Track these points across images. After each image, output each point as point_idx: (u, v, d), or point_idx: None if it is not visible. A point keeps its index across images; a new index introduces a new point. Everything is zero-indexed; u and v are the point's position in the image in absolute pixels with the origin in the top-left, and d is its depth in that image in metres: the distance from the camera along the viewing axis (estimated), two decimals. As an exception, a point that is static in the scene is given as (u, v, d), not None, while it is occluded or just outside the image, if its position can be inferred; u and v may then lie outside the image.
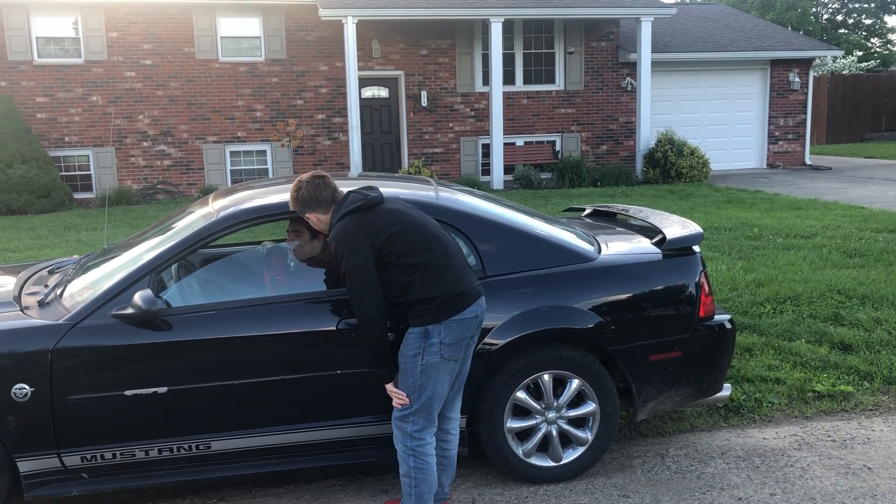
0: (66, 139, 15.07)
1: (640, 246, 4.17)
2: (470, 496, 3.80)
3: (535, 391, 3.81)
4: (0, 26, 14.50)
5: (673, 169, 15.78)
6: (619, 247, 4.16)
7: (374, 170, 16.68)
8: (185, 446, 3.54)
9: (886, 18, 39.18)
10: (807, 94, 18.76)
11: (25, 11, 14.57)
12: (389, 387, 3.36)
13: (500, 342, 3.68)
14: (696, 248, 4.12)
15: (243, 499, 3.85)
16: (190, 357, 3.48)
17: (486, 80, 16.31)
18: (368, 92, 16.50)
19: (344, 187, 3.49)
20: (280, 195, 3.88)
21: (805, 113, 18.84)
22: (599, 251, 4.06)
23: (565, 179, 15.84)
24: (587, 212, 5.30)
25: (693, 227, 4.23)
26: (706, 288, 4.03)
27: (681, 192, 13.97)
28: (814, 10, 37.27)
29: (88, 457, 3.46)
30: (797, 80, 18.54)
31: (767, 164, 18.83)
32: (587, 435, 3.88)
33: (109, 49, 15.03)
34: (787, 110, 18.75)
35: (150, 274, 3.55)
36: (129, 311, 3.39)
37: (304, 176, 3.41)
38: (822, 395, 4.87)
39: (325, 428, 3.64)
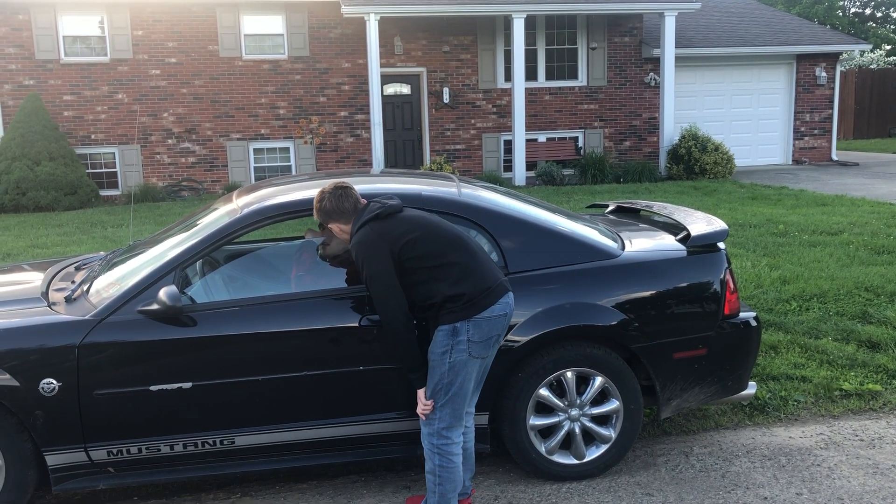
0: (93, 137, 15.24)
1: (664, 243, 4.14)
2: (493, 493, 3.80)
3: (558, 388, 3.80)
4: (28, 26, 14.68)
5: (697, 165, 15.64)
6: (642, 243, 4.13)
7: (396, 166, 16.71)
8: (210, 441, 3.56)
9: (916, 11, 38.57)
10: (833, 88, 18.51)
11: (53, 11, 14.75)
12: (420, 393, 3.34)
13: (523, 339, 3.67)
14: (721, 245, 4.09)
15: (267, 494, 3.88)
16: (214, 353, 3.50)
17: (509, 77, 16.26)
18: (390, 89, 16.52)
19: (365, 184, 3.49)
20: (303, 192, 3.90)
21: (832, 108, 18.59)
22: (623, 248, 4.03)
23: (588, 176, 15.76)
24: (610, 208, 5.27)
25: (718, 224, 4.19)
26: (731, 285, 3.99)
27: (705, 188, 13.85)
28: (841, 3, 36.77)
29: (114, 451, 3.50)
30: (824, 74, 18.29)
31: (793, 160, 18.61)
32: (610, 433, 3.86)
33: (135, 47, 15.17)
34: (813, 105, 18.52)
35: (175, 270, 3.58)
36: (155, 307, 3.43)
37: (327, 186, 3.41)
38: (850, 393, 4.80)
39: (348, 424, 3.65)
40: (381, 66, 15.50)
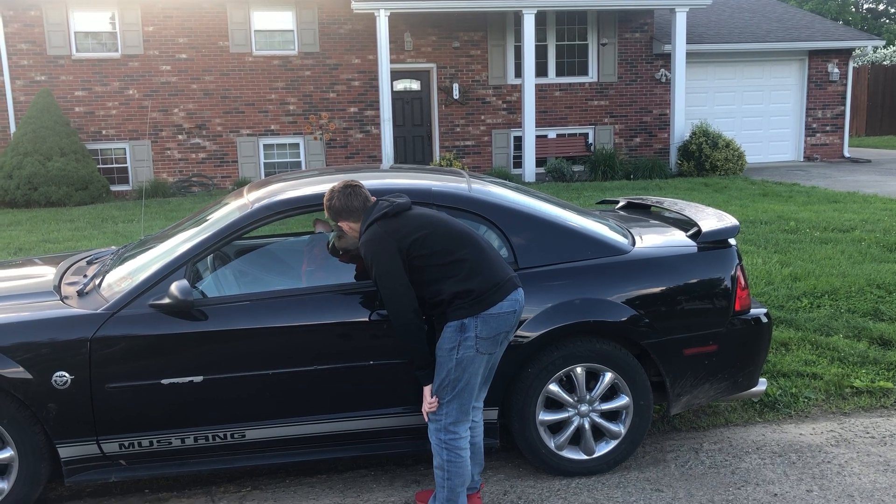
0: (104, 132, 15.31)
1: (675, 239, 4.13)
2: (502, 488, 3.80)
3: (568, 384, 3.80)
4: (40, 22, 14.75)
5: (707, 161, 15.58)
6: (653, 239, 4.12)
7: (406, 163, 16.71)
8: (220, 435, 3.58)
9: (929, 7, 38.28)
10: (846, 85, 18.40)
11: (64, 7, 14.81)
12: (426, 391, 3.34)
13: (533, 335, 3.67)
14: (732, 241, 4.07)
15: (277, 487, 3.90)
16: (225, 347, 3.52)
17: (519, 73, 16.24)
18: (400, 85, 16.52)
19: (375, 179, 3.50)
20: (313, 187, 3.91)
21: (844, 104, 18.48)
22: (633, 244, 4.03)
23: (598, 172, 15.72)
24: (621, 204, 5.26)
25: (729, 220, 4.18)
26: (742, 281, 3.98)
27: (715, 184, 13.80)
28: (854, -1, 36.53)
29: (126, 444, 3.53)
30: (836, 70, 18.18)
31: (804, 157, 18.51)
32: (620, 428, 3.86)
33: (145, 43, 15.23)
34: (825, 102, 18.41)
35: (187, 264, 3.60)
36: (166, 300, 3.44)
37: (337, 185, 3.42)
38: (861, 390, 4.78)
39: (358, 418, 3.66)
40: (391, 62, 15.50)
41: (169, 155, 15.65)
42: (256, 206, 3.74)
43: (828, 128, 18.55)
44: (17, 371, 3.37)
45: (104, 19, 15.14)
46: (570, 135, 17.27)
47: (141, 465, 3.60)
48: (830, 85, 18.36)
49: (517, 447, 3.95)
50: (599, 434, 3.89)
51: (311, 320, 3.57)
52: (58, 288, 3.89)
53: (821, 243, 8.32)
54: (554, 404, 3.81)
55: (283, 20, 15.78)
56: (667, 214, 4.78)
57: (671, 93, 16.16)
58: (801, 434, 4.31)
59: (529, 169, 15.45)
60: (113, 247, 5.17)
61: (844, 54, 18.26)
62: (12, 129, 14.65)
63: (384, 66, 14.76)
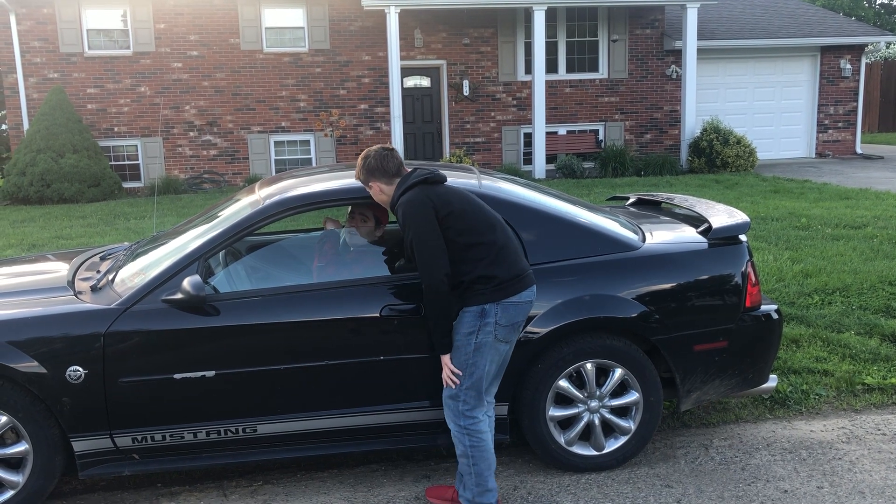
0: (116, 129, 15.39)
1: (686, 235, 4.12)
2: (512, 483, 3.81)
3: (578, 380, 3.81)
4: (53, 19, 14.84)
5: (718, 158, 15.53)
6: (663, 235, 4.12)
7: (416, 159, 16.72)
8: (232, 429, 3.61)
9: (943, 2, 37.95)
10: (858, 81, 18.29)
11: (77, 4, 14.89)
12: (446, 359, 3.35)
13: (543, 330, 3.68)
14: (743, 238, 4.07)
15: (288, 482, 3.92)
16: (237, 342, 3.54)
17: (529, 69, 16.21)
18: (410, 81, 16.53)
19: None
20: (324, 183, 3.93)
21: (856, 101, 18.37)
22: (644, 240, 4.03)
23: (608, 169, 15.69)
24: (631, 200, 5.25)
25: (740, 216, 4.17)
26: (753, 278, 3.97)
27: (726, 181, 13.75)
28: (867, -6, 36.26)
29: (139, 438, 3.56)
30: (848, 66, 18.07)
31: (816, 153, 18.42)
32: (630, 424, 3.86)
33: (157, 40, 15.29)
34: (837, 98, 18.31)
35: (199, 260, 3.62)
36: (179, 296, 3.47)
37: (373, 147, 3.49)
38: (872, 387, 4.77)
39: (369, 413, 3.68)
40: (401, 58, 15.51)
41: (180, 152, 15.72)
42: (268, 202, 3.77)
43: (840, 124, 18.44)
44: (31, 365, 3.40)
45: (116, 17, 15.21)
46: (580, 131, 17.25)
47: (153, 459, 3.63)
48: (843, 81, 18.25)
49: (527, 442, 3.96)
50: (609, 430, 3.90)
51: (323, 316, 3.59)
52: (71, 283, 3.93)
53: (832, 240, 8.29)
54: (564, 400, 3.82)
55: (293, 17, 15.81)
56: (677, 211, 4.77)
57: (682, 89, 16.11)
58: (811, 431, 4.30)
59: (539, 165, 15.44)
60: (125, 243, 5.20)
61: (857, 50, 18.14)
62: (25, 126, 14.75)
63: (394, 63, 14.78)
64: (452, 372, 3.33)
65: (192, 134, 15.70)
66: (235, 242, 3.78)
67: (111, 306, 3.53)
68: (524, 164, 16.73)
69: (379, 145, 3.52)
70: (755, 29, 17.83)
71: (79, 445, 3.52)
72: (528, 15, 15.96)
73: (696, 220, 4.33)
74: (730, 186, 13.13)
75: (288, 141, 16.17)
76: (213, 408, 3.57)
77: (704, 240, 4.02)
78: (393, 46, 14.71)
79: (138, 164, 15.62)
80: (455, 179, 3.94)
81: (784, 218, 9.69)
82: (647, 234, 4.12)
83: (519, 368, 3.69)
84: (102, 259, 4.47)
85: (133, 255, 4.15)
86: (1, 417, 3.43)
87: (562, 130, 17.11)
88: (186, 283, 3.44)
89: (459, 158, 15.25)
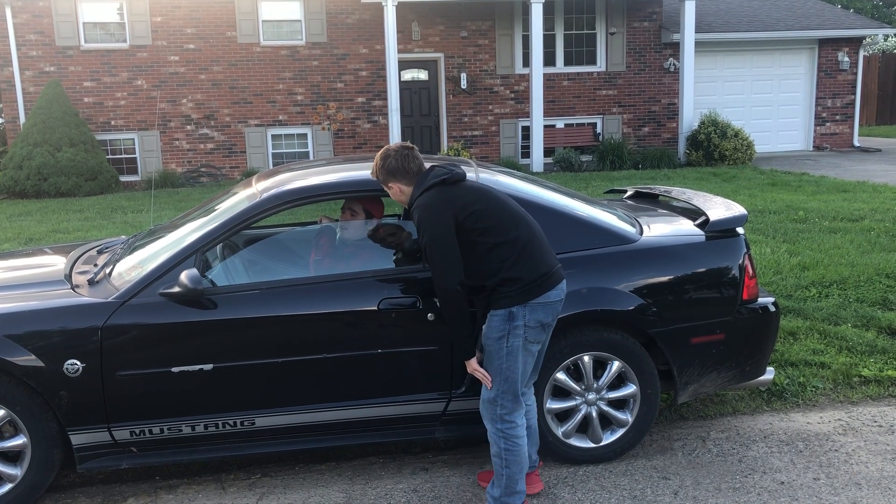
0: (113, 123, 15.36)
1: (683, 228, 4.13)
2: (509, 476, 3.82)
3: (575, 372, 3.81)
4: (49, 12, 14.79)
5: (716, 151, 15.53)
6: (661, 228, 4.12)
7: (414, 153, 16.67)
8: (230, 422, 3.61)
9: (941, -5, 37.87)
10: (856, 73, 18.28)
11: (72, -3, 14.84)
12: (473, 364, 3.29)
13: (540, 323, 3.67)
14: (741, 230, 4.07)
15: (286, 475, 3.93)
16: (234, 335, 3.54)
17: (527, 62, 16.19)
18: (408, 75, 16.50)
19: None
20: (321, 177, 3.92)
21: (854, 93, 18.36)
22: (641, 233, 4.03)
23: (606, 162, 15.69)
24: (629, 193, 5.25)
25: (737, 209, 4.17)
26: (750, 270, 3.98)
27: (724, 174, 13.75)
28: (865, -13, 36.18)
29: (137, 431, 3.56)
30: (846, 59, 18.06)
31: (814, 146, 18.42)
32: (627, 417, 3.87)
33: (154, 34, 15.25)
34: (835, 91, 18.30)
35: (196, 254, 3.62)
36: (176, 289, 3.47)
37: (393, 145, 3.36)
38: (869, 379, 4.78)
39: (367, 406, 3.69)
40: (399, 51, 15.47)
41: (177, 145, 15.69)
42: (265, 195, 3.76)
43: (837, 117, 18.44)
44: (29, 359, 3.40)
45: (112, 10, 15.16)
46: (578, 124, 17.23)
47: (152, 452, 3.63)
48: (840, 74, 18.25)
49: (525, 435, 3.96)
50: (607, 422, 3.91)
51: (320, 309, 3.59)
52: (68, 277, 3.92)
53: (830, 233, 8.30)
54: (561, 392, 3.82)
55: (290, 10, 15.77)
56: (675, 204, 4.78)
57: (680, 82, 16.10)
58: (808, 423, 4.31)
59: (537, 159, 15.43)
60: (123, 236, 5.20)
61: (855, 43, 18.13)
62: (22, 119, 14.71)
63: (392, 56, 14.74)
64: (484, 372, 3.28)
65: (189, 127, 15.67)
66: (233, 236, 3.78)
67: (108, 300, 3.53)
68: (522, 157, 16.72)
69: (398, 143, 3.38)
70: (753, 21, 17.81)
71: (77, 439, 3.52)
72: (525, 7, 15.92)
73: (693, 213, 4.33)
74: (727, 179, 13.14)
75: (285, 134, 16.14)
76: (210, 401, 3.57)
77: (702, 233, 4.02)
78: (390, 39, 14.68)
79: (135, 158, 15.59)
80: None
81: (781, 211, 9.69)
82: (645, 227, 4.12)
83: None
84: (100, 253, 4.47)
85: (130, 249, 4.15)
86: (-1, 411, 3.44)
87: (560, 124, 17.10)
88: (184, 276, 3.43)
89: (457, 152, 15.24)
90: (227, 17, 15.44)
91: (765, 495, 3.58)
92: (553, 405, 3.80)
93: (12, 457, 3.54)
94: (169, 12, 15.23)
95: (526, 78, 16.47)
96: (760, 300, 4.04)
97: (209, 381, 3.54)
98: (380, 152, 3.37)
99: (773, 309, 4.05)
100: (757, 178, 13.10)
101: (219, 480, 3.90)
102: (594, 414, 3.84)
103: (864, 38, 18.19)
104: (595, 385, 3.81)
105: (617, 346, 3.77)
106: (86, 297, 3.60)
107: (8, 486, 3.52)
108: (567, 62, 17.02)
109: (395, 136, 14.92)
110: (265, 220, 4.13)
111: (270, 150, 16.09)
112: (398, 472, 3.91)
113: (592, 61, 17.15)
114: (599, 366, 3.83)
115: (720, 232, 4.01)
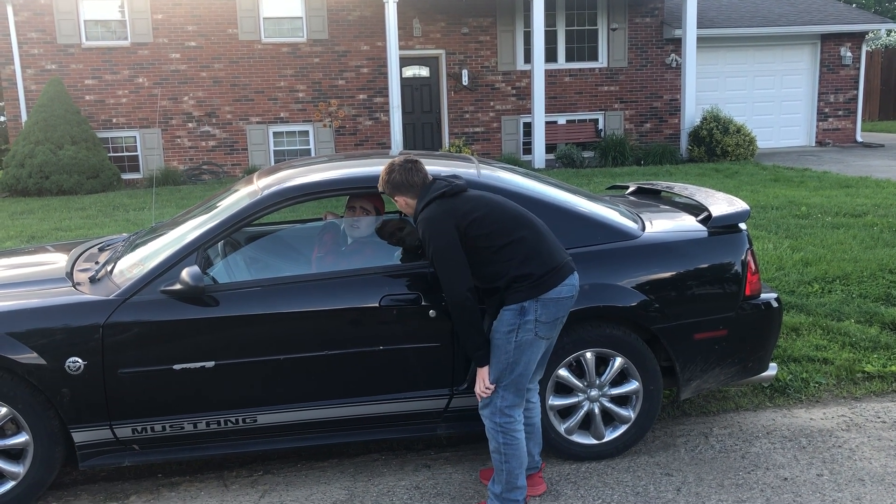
0: (114, 120, 15.36)
1: (685, 223, 4.11)
2: (512, 472, 3.81)
3: (578, 369, 3.81)
4: (50, 10, 14.78)
5: (718, 147, 15.50)
6: (663, 224, 4.11)
7: (415, 149, 16.69)
8: (232, 420, 3.61)
9: (944, -10, 37.75)
10: (859, 69, 18.23)
11: (73, -5, 14.83)
12: (482, 372, 3.28)
13: (543, 319, 3.66)
14: (743, 226, 4.06)
15: (288, 472, 3.93)
16: (236, 332, 3.54)
17: (528, 58, 16.17)
18: (409, 71, 16.48)
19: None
20: (323, 174, 3.92)
21: (857, 89, 18.33)
22: (643, 229, 4.02)
23: (608, 158, 15.67)
24: (631, 189, 5.24)
25: (739, 205, 4.16)
26: (752, 266, 3.97)
27: (726, 170, 13.73)
28: (867, -19, 36.08)
29: (139, 429, 3.56)
30: (849, 54, 18.01)
31: (816, 142, 18.39)
32: (630, 413, 3.87)
33: (154, 31, 15.24)
34: (837, 86, 18.26)
35: (198, 251, 3.61)
36: (178, 287, 3.46)
37: (397, 159, 3.40)
38: (872, 375, 4.77)
39: (369, 403, 3.68)
40: (400, 48, 15.45)
41: (179, 143, 15.69)
42: (266, 192, 3.75)
43: (840, 112, 18.40)
44: (31, 357, 3.40)
45: (113, 7, 15.15)
46: (579, 121, 17.21)
47: (154, 449, 3.63)
48: (843, 69, 18.20)
49: (527, 432, 3.95)
50: (609, 419, 3.90)
51: (322, 306, 3.58)
52: (70, 275, 3.92)
53: (832, 228, 8.28)
54: (564, 389, 3.82)
55: (291, 7, 15.75)
56: (677, 199, 4.77)
57: (682, 78, 16.07)
58: (811, 419, 4.30)
59: (539, 155, 15.41)
60: (124, 234, 5.19)
61: (857, 38, 18.08)
62: (24, 117, 14.72)
63: (393, 53, 14.72)
64: (486, 386, 3.28)
65: (190, 125, 15.67)
66: (234, 233, 3.77)
67: (110, 297, 3.52)
68: (524, 153, 16.70)
69: (402, 157, 3.42)
70: (755, 17, 17.77)
71: (79, 436, 3.52)
72: (526, 3, 15.89)
73: (695, 209, 4.32)
74: (730, 175, 13.11)
75: (287, 132, 16.14)
76: (212, 398, 3.57)
77: (704, 228, 4.01)
78: (391, 36, 14.66)
79: (137, 156, 15.60)
80: (454, 169, 3.93)
81: (784, 206, 9.68)
82: (647, 223, 4.11)
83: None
84: (101, 250, 4.46)
85: (132, 246, 4.14)
86: (1, 409, 3.43)
87: (561, 120, 17.08)
88: (185, 273, 3.43)
89: (459, 148, 15.22)
90: (228, 15, 15.43)
91: (768, 491, 3.57)
92: (555, 402, 3.79)
93: (15, 454, 3.54)
94: (170, 10, 15.22)
95: (527, 74, 16.44)
96: (763, 296, 4.03)
97: (211, 378, 3.54)
98: (385, 167, 3.41)
99: (775, 305, 4.04)
100: (759, 174, 13.08)
101: (221, 478, 3.90)
102: (597, 410, 3.84)
103: (866, 32, 18.14)
104: (597, 381, 3.80)
105: (619, 342, 3.76)
106: (87, 294, 3.59)
107: (10, 484, 3.52)
108: (569, 58, 17.00)
109: (396, 133, 14.92)
110: (267, 217, 4.12)
111: (272, 148, 16.08)
112: (400, 469, 3.90)
113: (594, 57, 17.12)
114: (602, 362, 3.82)
115: (722, 228, 4.00)
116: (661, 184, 5.05)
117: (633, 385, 3.83)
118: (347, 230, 4.17)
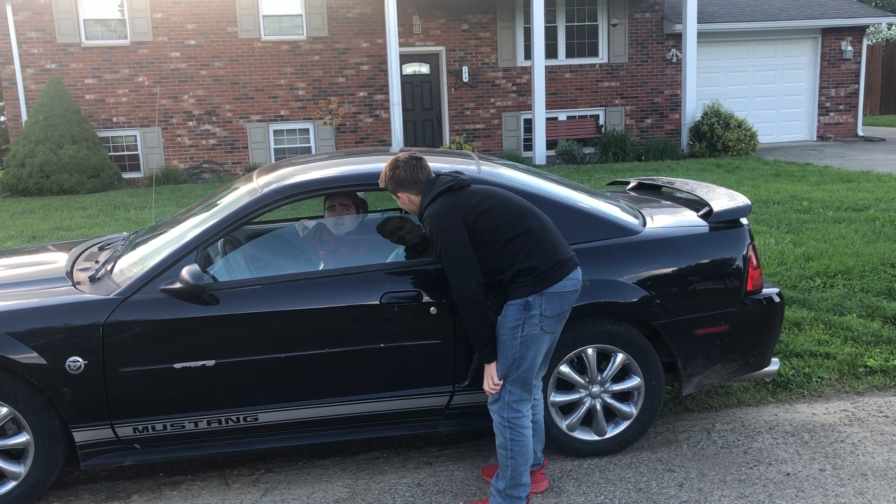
0: (114, 119, 15.35)
1: (686, 219, 4.10)
2: (514, 469, 3.81)
3: (579, 365, 3.80)
4: (49, 9, 14.77)
5: (719, 142, 15.47)
6: (664, 220, 4.10)
7: (416, 146, 16.67)
8: (233, 418, 3.60)
9: (945, -17, 37.62)
10: (860, 63, 18.19)
11: (73, -6, 14.82)
12: (490, 368, 3.28)
13: (544, 316, 3.65)
14: (744, 221, 4.05)
15: (290, 470, 3.92)
16: (236, 330, 3.53)
17: (528, 55, 16.14)
18: (409, 68, 16.46)
19: (385, 162, 3.48)
20: (322, 171, 3.91)
21: (858, 83, 18.28)
22: (644, 224, 4.01)
23: (609, 154, 15.64)
24: (632, 185, 5.23)
25: (741, 200, 4.15)
26: (754, 261, 3.96)
27: (727, 165, 13.71)
28: (868, -25, 35.96)
29: (140, 428, 3.55)
30: (850, 48, 17.97)
31: (818, 136, 18.35)
32: (632, 409, 3.86)
33: (154, 30, 15.22)
34: (838, 80, 18.22)
35: (198, 249, 3.60)
36: (178, 285, 3.46)
37: (402, 156, 3.39)
38: (875, 370, 4.76)
39: (370, 401, 3.68)
40: (400, 45, 15.43)
41: (179, 142, 15.68)
42: (266, 190, 3.75)
43: (841, 107, 18.36)
44: (31, 356, 3.40)
45: (113, 6, 15.14)
46: (580, 117, 17.19)
47: (155, 448, 3.63)
48: (844, 63, 18.16)
49: (529, 428, 3.94)
50: (611, 415, 3.89)
51: (323, 304, 3.57)
52: (70, 274, 3.92)
53: (834, 223, 8.26)
54: (565, 385, 3.81)
55: (291, 5, 15.73)
56: (678, 195, 4.75)
57: (682, 73, 16.03)
58: (813, 414, 4.29)
59: (540, 151, 15.39)
60: (124, 233, 5.19)
61: (858, 32, 18.04)
62: (24, 117, 14.71)
63: (393, 50, 14.70)
64: (494, 383, 3.27)
65: (190, 123, 15.66)
66: (234, 231, 3.77)
67: (110, 296, 3.52)
68: (524, 150, 16.68)
69: (406, 154, 3.41)
70: (756, 11, 17.73)
71: (80, 436, 3.52)
72: (526, 0, 15.86)
73: (696, 204, 4.31)
74: (731, 170, 13.09)
75: (287, 129, 16.12)
76: (213, 397, 3.57)
77: (705, 223, 4.00)
78: (391, 33, 14.63)
79: (137, 155, 15.59)
80: (454, 166, 3.92)
81: (785, 201, 9.66)
82: (648, 219, 4.10)
83: (520, 354, 3.67)
84: (101, 249, 4.46)
85: (132, 245, 4.14)
86: (1, 409, 3.43)
87: (562, 116, 17.05)
88: (185, 272, 3.42)
89: (459, 145, 15.21)
90: (227, 13, 15.41)
91: (770, 487, 3.57)
92: (557, 398, 3.78)
93: (16, 454, 3.54)
94: (169, 8, 15.20)
95: (528, 70, 16.41)
96: (765, 291, 4.02)
97: (212, 376, 3.53)
98: (388, 163, 3.39)
99: (777, 299, 4.03)
100: (760, 169, 13.05)
101: (223, 476, 3.90)
102: (598, 406, 3.83)
103: (867, 26, 18.10)
104: (599, 378, 3.79)
105: (621, 338, 3.76)
106: (87, 293, 3.59)
107: (12, 484, 3.51)
108: (569, 54, 16.97)
109: (396, 131, 14.90)
110: (267, 215, 4.12)
111: (272, 146, 16.07)
112: (402, 467, 3.90)
113: (594, 53, 17.09)
114: (603, 358, 3.81)
115: (724, 223, 3.99)
116: (661, 179, 5.04)
117: (634, 381, 3.82)
118: (332, 230, 4.17)
